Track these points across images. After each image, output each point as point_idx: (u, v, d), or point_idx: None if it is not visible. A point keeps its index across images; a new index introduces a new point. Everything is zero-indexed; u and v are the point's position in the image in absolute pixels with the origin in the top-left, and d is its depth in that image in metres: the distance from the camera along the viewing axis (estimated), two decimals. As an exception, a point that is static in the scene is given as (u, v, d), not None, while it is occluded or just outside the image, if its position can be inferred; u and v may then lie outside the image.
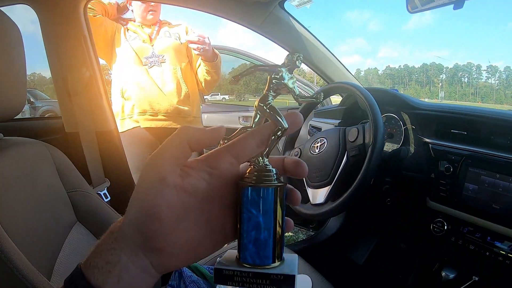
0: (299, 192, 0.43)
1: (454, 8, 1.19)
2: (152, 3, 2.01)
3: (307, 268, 1.34)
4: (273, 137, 0.38)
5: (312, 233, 2.11)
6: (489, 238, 1.20)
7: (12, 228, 0.74)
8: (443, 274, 1.34)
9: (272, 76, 0.41)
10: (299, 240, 2.48)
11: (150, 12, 2.04)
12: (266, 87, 0.41)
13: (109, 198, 1.52)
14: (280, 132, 0.38)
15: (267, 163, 0.39)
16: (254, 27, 1.66)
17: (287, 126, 0.39)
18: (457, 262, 1.37)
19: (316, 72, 1.95)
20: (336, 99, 1.94)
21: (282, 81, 0.41)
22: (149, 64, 2.00)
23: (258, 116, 0.42)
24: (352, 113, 1.64)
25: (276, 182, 0.38)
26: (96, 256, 0.36)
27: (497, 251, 1.18)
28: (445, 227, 1.30)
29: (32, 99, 11.35)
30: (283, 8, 1.60)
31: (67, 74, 1.45)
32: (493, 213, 1.17)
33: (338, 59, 1.92)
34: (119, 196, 1.59)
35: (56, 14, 1.38)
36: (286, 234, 2.95)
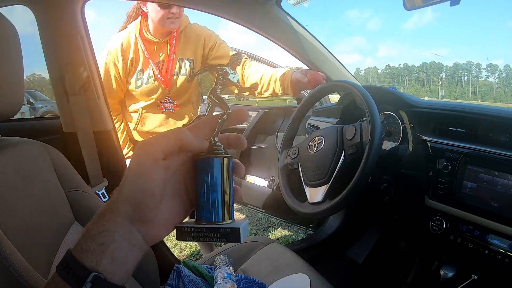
0: (243, 166, 0.53)
1: (451, 5, 1.18)
2: (173, 10, 1.71)
3: (305, 267, 1.34)
4: (220, 120, 0.50)
5: (312, 232, 2.11)
6: (488, 236, 1.20)
7: (10, 228, 0.74)
8: (442, 272, 1.34)
9: (219, 73, 0.53)
10: (298, 239, 2.48)
11: (170, 20, 1.76)
12: (215, 82, 0.53)
13: (107, 198, 1.51)
14: (226, 115, 0.50)
15: (217, 140, 0.49)
16: (251, 25, 1.66)
17: (231, 111, 0.50)
18: (456, 261, 1.37)
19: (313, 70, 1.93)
20: (334, 98, 1.94)
21: (227, 77, 0.53)
22: (164, 110, 1.98)
23: (209, 105, 0.54)
24: (350, 112, 1.64)
25: (223, 153, 0.48)
26: (87, 240, 0.41)
27: (496, 249, 1.18)
28: (444, 226, 1.30)
29: (32, 100, 11.36)
30: (280, 7, 1.59)
31: (65, 74, 1.45)
32: (492, 211, 1.17)
33: (336, 57, 1.92)
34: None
35: (53, 14, 1.38)
36: (286, 233, 2.97)
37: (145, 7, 1.78)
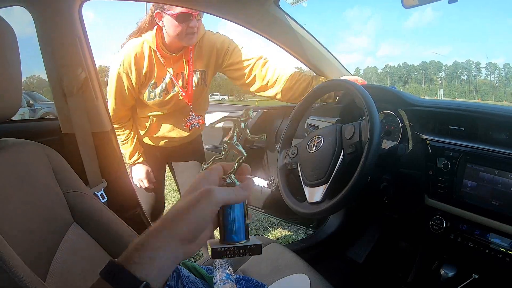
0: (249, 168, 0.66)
1: (449, 2, 1.18)
2: (192, 24, 1.60)
3: (305, 267, 1.33)
4: (236, 163, 0.63)
5: (312, 232, 2.11)
6: (488, 235, 1.20)
7: (7, 229, 0.74)
8: (442, 272, 1.34)
9: (236, 124, 0.67)
10: (298, 239, 2.48)
11: (189, 35, 1.66)
12: (232, 130, 0.67)
13: (106, 199, 1.51)
14: (241, 159, 0.64)
15: (233, 177, 0.63)
16: (250, 25, 1.65)
17: (246, 155, 0.65)
18: (456, 260, 1.37)
19: (313, 70, 1.94)
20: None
21: (241, 127, 0.66)
22: (191, 127, 1.97)
23: (227, 148, 0.69)
24: (349, 111, 1.64)
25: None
26: (139, 254, 0.49)
27: (496, 248, 1.17)
28: (444, 225, 1.29)
29: (31, 102, 11.36)
30: (278, 6, 1.59)
31: (63, 75, 1.44)
32: (492, 209, 1.17)
33: (335, 57, 1.91)
34: (116, 197, 1.59)
35: (50, 15, 1.37)
36: (286, 233, 2.98)
37: (160, 22, 1.67)
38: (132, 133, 1.93)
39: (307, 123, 1.77)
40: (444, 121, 1.36)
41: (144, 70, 1.74)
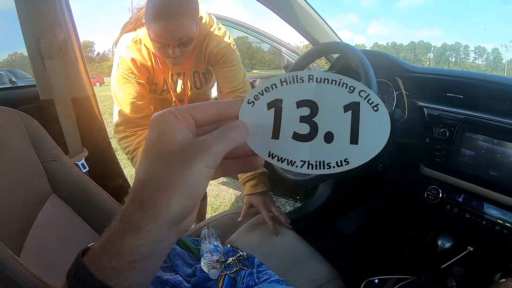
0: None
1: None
2: (171, 52, 1.30)
3: (295, 237, 1.33)
4: None
5: (300, 204, 2.08)
6: (485, 206, 1.17)
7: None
8: (439, 243, 1.31)
9: None
10: (286, 212, 2.46)
11: (169, 59, 1.37)
12: None
13: (87, 169, 1.45)
14: None
15: None
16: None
17: None
18: (452, 231, 1.34)
19: (304, 36, 1.87)
20: (324, 65, 1.88)
21: None
22: None
23: None
24: (343, 77, 1.57)
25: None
26: (114, 258, 0.35)
27: (494, 220, 1.15)
28: (440, 195, 1.26)
29: (13, 79, 11.08)
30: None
31: (40, 36, 1.36)
32: (491, 180, 1.13)
33: (327, 23, 1.85)
34: (98, 167, 1.53)
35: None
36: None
37: (148, 31, 1.32)
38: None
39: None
40: (442, 89, 1.31)
41: (147, 75, 1.51)
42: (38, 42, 1.36)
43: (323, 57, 1.69)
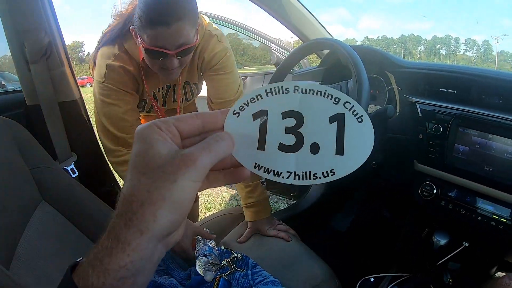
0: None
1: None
2: (167, 64, 1.16)
3: (290, 236, 1.33)
4: None
5: (294, 202, 2.07)
6: (480, 202, 1.16)
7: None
8: (435, 240, 1.31)
9: None
10: (280, 209, 2.45)
11: (164, 71, 1.21)
12: None
13: (77, 174, 1.42)
14: None
15: None
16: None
17: None
18: (447, 228, 1.34)
19: (294, 32, 1.86)
20: (315, 61, 1.87)
21: None
22: None
23: None
24: (333, 73, 1.57)
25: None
26: (102, 276, 0.35)
27: (489, 216, 1.14)
28: (434, 191, 1.26)
29: (3, 82, 10.98)
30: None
31: (24, 39, 1.33)
32: (485, 175, 1.13)
33: (317, 18, 1.84)
34: (87, 171, 1.50)
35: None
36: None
37: (137, 40, 1.18)
38: None
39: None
40: (434, 84, 1.31)
41: (136, 87, 1.35)
42: (22, 46, 1.34)
43: (313, 53, 1.69)
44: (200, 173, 0.37)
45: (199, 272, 1.03)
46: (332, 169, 0.41)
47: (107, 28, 1.32)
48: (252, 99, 0.42)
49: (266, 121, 0.42)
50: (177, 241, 0.42)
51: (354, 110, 0.41)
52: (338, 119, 0.41)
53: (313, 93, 0.42)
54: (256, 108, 0.42)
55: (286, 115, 0.42)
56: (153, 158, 0.37)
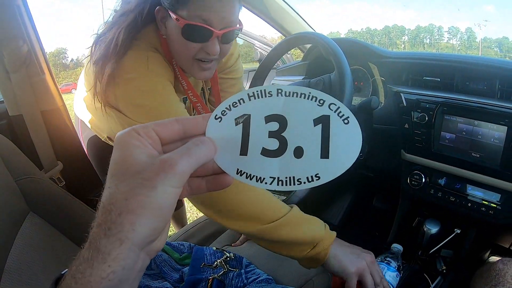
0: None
1: None
2: (210, 49, 0.95)
3: None
4: None
5: (284, 198, 2.07)
6: (469, 188, 1.17)
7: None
8: (426, 228, 1.31)
9: None
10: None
11: (199, 63, 1.01)
12: None
13: (63, 182, 1.41)
14: None
15: None
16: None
17: None
18: (438, 216, 1.34)
19: (275, 28, 1.87)
20: (300, 55, 1.87)
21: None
22: None
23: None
24: (316, 67, 1.58)
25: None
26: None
27: (479, 202, 1.15)
28: (423, 180, 1.26)
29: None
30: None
31: (2, 49, 1.31)
32: (473, 161, 1.14)
33: (298, 12, 1.84)
34: (74, 179, 1.49)
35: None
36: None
37: (162, 26, 0.98)
38: None
39: (272, 84, 1.70)
40: (418, 73, 1.31)
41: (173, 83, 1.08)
42: (1, 56, 1.31)
43: (297, 48, 1.68)
44: (180, 178, 0.36)
45: None
46: (317, 174, 0.40)
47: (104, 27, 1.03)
48: (234, 103, 0.41)
49: (248, 125, 0.41)
50: (161, 248, 0.41)
51: (340, 112, 0.40)
52: (323, 122, 0.40)
53: (296, 96, 0.41)
54: (239, 112, 0.41)
55: (269, 119, 0.41)
56: (132, 165, 0.35)
